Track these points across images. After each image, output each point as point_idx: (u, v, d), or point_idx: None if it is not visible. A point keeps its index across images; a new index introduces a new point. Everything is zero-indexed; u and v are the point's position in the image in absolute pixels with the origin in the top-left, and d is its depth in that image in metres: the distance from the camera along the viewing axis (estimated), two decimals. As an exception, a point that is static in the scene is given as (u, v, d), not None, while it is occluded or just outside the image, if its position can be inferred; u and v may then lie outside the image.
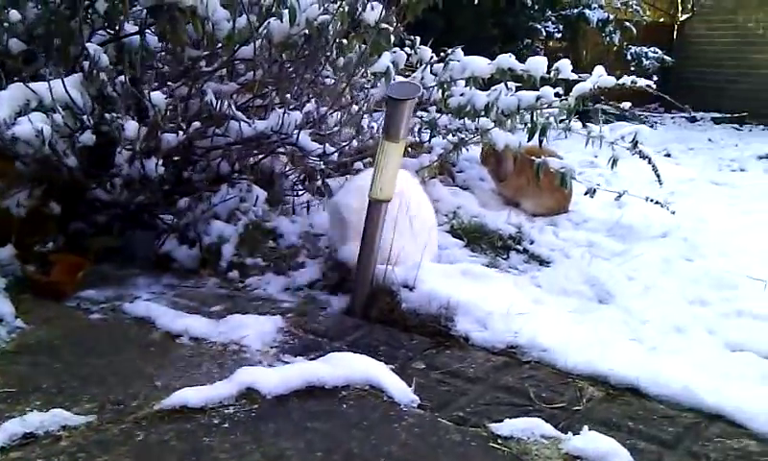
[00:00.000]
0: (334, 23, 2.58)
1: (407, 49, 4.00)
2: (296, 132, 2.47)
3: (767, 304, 2.78)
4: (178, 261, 2.57)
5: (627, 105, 5.18)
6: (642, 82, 3.22)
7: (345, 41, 2.87)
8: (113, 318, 2.17)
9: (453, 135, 3.60)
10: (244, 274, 2.51)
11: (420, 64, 4.04)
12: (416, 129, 3.79)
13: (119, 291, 2.39)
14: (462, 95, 3.39)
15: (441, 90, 3.42)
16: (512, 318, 2.13)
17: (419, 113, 3.88)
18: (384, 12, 3.34)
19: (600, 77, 3.17)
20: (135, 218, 2.53)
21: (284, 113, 2.45)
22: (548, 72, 3.19)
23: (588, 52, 10.16)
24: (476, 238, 3.30)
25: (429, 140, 3.88)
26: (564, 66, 3.18)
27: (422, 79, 3.37)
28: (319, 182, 2.77)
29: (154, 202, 2.48)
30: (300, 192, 2.90)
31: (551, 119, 3.22)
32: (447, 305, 2.15)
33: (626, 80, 3.23)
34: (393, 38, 3.51)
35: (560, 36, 9.02)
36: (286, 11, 2.52)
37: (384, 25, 3.32)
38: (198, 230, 2.53)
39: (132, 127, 2.17)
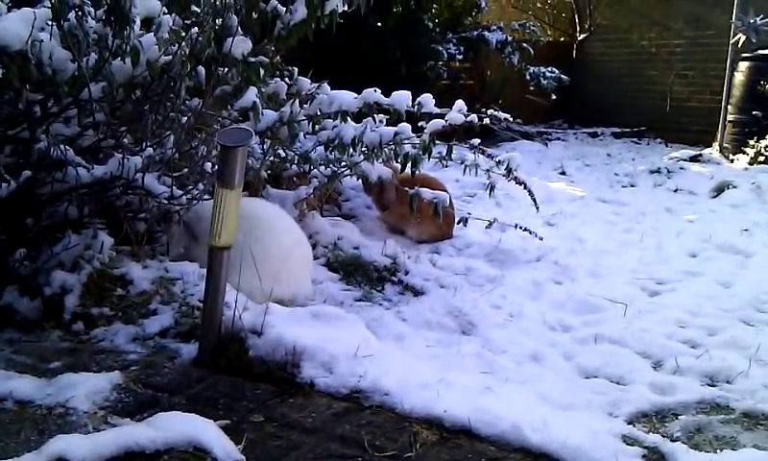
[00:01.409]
0: (179, 63, 2.53)
1: (287, 79, 4.00)
2: (139, 175, 2.40)
3: (624, 329, 2.91)
4: (20, 313, 2.45)
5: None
6: (501, 115, 3.33)
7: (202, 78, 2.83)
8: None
9: (327, 168, 3.61)
10: (90, 325, 2.41)
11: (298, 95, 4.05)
12: (293, 161, 3.78)
13: (-52, 352, 2.25)
14: (334, 127, 3.40)
15: (311, 124, 3.42)
16: (358, 361, 2.13)
17: (297, 145, 3.88)
18: (254, 45, 3.34)
19: (454, 113, 3.28)
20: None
21: (123, 158, 2.38)
22: (413, 105, 3.25)
23: (492, 71, 10.42)
24: (352, 271, 3.31)
25: (309, 171, 3.87)
26: (426, 101, 3.25)
27: (291, 113, 3.35)
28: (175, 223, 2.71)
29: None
30: (158, 234, 2.83)
31: (420, 152, 3.27)
32: (294, 351, 2.13)
33: (473, 118, 3.37)
34: (264, 72, 3.52)
35: (462, 57, 9.23)
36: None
37: (252, 58, 3.32)
38: (39, 280, 2.42)
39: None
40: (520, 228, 3.85)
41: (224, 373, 2.18)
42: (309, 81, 4.04)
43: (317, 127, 3.42)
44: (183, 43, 2.56)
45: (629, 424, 2.20)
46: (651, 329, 2.93)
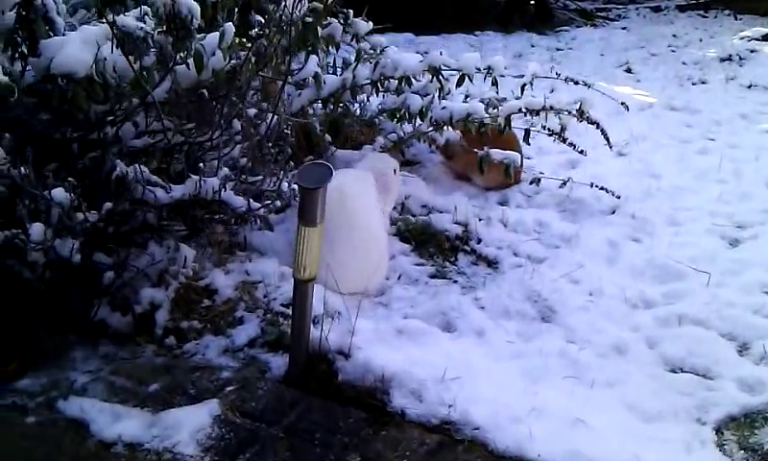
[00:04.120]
0: (246, 71, 2.39)
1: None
2: (216, 193, 2.34)
3: (708, 304, 2.80)
4: (113, 328, 2.51)
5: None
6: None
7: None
8: (48, 420, 2.13)
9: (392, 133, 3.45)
10: (181, 338, 2.45)
11: (356, 40, 3.82)
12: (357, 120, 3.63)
13: (55, 375, 2.33)
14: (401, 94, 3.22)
15: (375, 90, 3.25)
16: (446, 386, 2.12)
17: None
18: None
19: (529, 97, 3.06)
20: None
21: (200, 179, 2.32)
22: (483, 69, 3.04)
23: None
24: (424, 241, 3.24)
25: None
26: (497, 64, 3.01)
27: (354, 77, 3.18)
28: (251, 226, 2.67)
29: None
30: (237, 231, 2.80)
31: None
32: (382, 378, 2.13)
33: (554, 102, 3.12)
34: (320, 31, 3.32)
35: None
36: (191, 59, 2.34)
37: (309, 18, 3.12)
38: (128, 298, 2.45)
39: (37, 231, 2.05)
40: (596, 186, 3.66)
41: (315, 394, 2.20)
42: (366, 22, 3.81)
43: (380, 92, 3.24)
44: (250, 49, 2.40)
45: (717, 432, 2.17)
46: (735, 303, 2.81)
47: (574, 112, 3.69)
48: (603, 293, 2.88)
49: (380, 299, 2.86)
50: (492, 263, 3.15)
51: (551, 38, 8.78)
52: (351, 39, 3.84)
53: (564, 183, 3.68)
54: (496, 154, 3.27)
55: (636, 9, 10.94)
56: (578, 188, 3.77)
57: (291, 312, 2.18)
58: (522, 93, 3.36)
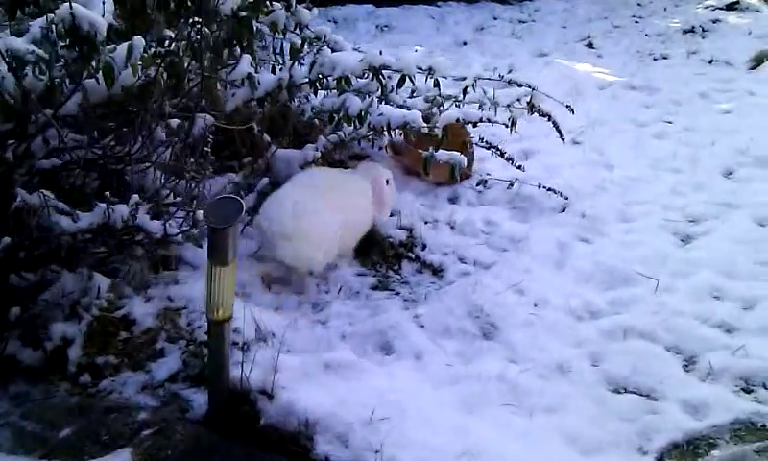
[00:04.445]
0: (159, 88, 2.18)
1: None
2: (125, 221, 2.15)
3: (655, 313, 2.70)
4: (24, 363, 2.33)
5: None
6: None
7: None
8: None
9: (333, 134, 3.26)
10: (97, 375, 2.27)
11: (299, 29, 3.60)
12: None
13: (-42, 420, 2.16)
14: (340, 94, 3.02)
15: (313, 90, 3.05)
16: (374, 428, 1.98)
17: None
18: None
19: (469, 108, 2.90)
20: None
21: (108, 208, 2.12)
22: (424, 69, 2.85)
23: None
24: (367, 249, 3.09)
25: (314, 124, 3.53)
26: (439, 65, 2.83)
27: (291, 77, 2.97)
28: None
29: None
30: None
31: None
32: (306, 422, 1.99)
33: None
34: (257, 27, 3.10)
35: None
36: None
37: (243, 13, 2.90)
38: (39, 333, 2.26)
39: None
40: (543, 187, 3.53)
41: (237, 437, 2.06)
42: (310, 9, 3.59)
43: (321, 90, 3.05)
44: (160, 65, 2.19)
45: (659, 461, 2.08)
46: (683, 311, 2.71)
47: (524, 106, 3.54)
48: (548, 303, 2.76)
49: (319, 316, 2.72)
50: (437, 271, 3.01)
51: (515, 9, 8.54)
52: (295, 28, 3.62)
53: (511, 185, 3.53)
54: (442, 154, 3.10)
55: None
56: (529, 179, 3.62)
57: (207, 353, 2.02)
58: (464, 96, 3.18)
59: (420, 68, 2.89)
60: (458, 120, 2.91)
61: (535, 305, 2.75)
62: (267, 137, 3.29)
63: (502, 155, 3.52)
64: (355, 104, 2.87)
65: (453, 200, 3.66)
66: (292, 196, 2.77)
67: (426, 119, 2.84)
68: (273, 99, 3.11)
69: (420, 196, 3.63)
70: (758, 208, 3.49)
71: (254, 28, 3.03)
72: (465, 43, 7.15)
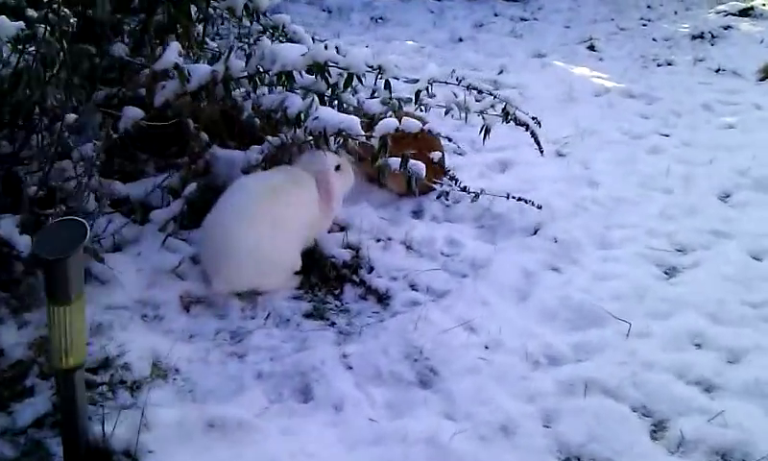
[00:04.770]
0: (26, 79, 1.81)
1: None
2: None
3: (623, 364, 2.32)
4: None
5: None
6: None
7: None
8: None
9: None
10: (-45, 414, 1.93)
11: (256, 17, 3.24)
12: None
13: None
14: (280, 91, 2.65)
15: (252, 85, 2.68)
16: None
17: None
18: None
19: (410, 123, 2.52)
20: None
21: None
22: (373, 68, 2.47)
23: None
24: (306, 269, 2.72)
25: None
26: (388, 64, 2.45)
27: (227, 70, 2.60)
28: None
29: None
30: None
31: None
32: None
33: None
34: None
35: None
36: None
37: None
38: None
39: None
40: (513, 197, 3.15)
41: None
42: (267, -4, 3.22)
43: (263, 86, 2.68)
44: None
45: None
46: (656, 363, 2.33)
47: (499, 113, 3.16)
48: (501, 345, 2.38)
49: (236, 347, 2.36)
50: (382, 298, 2.64)
51: (518, 7, 8.10)
52: (252, 15, 3.25)
53: (477, 196, 3.15)
54: (396, 163, 2.72)
55: (613, -26, 10.23)
56: (502, 192, 3.23)
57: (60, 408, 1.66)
58: (416, 101, 2.79)
59: (371, 67, 2.50)
60: (397, 130, 2.52)
61: (486, 347, 2.38)
62: (205, 136, 2.92)
63: (455, 180, 3.16)
64: (295, 104, 2.50)
65: (417, 214, 3.28)
66: (239, 208, 2.47)
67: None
68: (208, 93, 2.74)
69: (379, 208, 3.25)
70: (754, 239, 3.11)
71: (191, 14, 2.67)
72: (461, 40, 6.73)
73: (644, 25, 7.48)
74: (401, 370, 2.23)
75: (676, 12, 7.98)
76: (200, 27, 3.14)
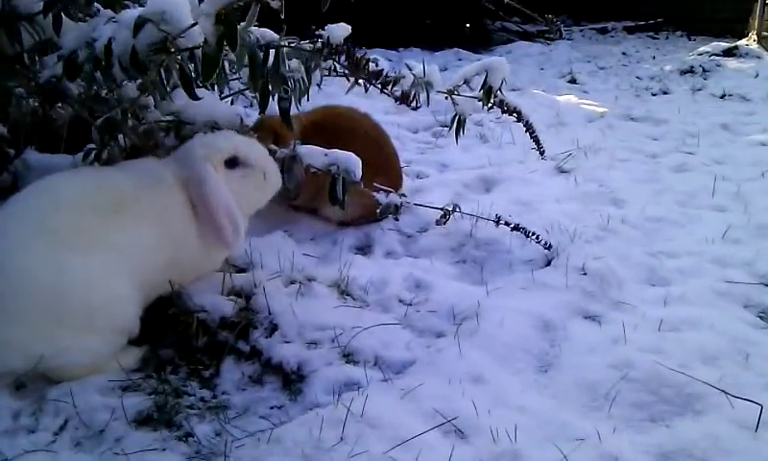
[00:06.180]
0: None
1: None
2: None
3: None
4: None
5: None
6: None
7: None
8: None
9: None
10: None
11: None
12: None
13: None
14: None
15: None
16: None
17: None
18: None
19: None
20: None
21: None
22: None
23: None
24: (159, 330, 1.49)
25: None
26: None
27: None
28: None
29: None
30: None
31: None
32: None
33: None
34: None
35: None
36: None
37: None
38: None
39: None
40: (505, 223, 1.98)
41: None
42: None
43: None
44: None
45: None
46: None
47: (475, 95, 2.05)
48: (519, 466, 1.15)
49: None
50: (290, 381, 1.41)
51: (483, 56, 7.23)
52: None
53: (445, 217, 1.98)
54: (315, 157, 1.55)
55: (581, 30, 9.56)
56: (491, 216, 2.07)
57: None
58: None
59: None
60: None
61: (488, 470, 1.14)
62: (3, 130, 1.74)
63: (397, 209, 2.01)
64: (105, 33, 1.34)
65: (363, 249, 2.09)
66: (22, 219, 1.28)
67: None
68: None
69: (305, 243, 2.06)
70: None
71: None
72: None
73: (625, 66, 6.64)
74: None
75: (654, 57, 7.21)
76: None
